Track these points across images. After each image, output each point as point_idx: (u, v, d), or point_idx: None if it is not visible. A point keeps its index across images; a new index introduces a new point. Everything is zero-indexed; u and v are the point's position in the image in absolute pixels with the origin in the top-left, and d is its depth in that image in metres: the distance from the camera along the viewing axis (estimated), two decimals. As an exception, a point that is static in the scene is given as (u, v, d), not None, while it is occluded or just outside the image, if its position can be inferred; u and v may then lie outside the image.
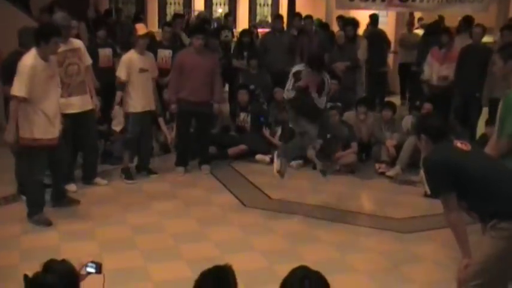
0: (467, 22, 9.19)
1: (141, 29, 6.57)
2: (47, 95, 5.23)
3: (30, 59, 5.11)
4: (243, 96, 8.02)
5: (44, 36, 5.13)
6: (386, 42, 10.50)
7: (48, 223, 5.35)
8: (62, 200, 5.79)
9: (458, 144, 3.57)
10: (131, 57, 6.47)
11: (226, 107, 8.97)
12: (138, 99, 6.51)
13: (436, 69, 8.15)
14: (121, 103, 6.60)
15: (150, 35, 6.79)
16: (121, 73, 6.44)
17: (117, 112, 6.86)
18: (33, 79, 5.08)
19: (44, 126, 5.22)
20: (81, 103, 6.09)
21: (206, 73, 6.78)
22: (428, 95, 8.24)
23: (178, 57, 7.00)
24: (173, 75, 6.89)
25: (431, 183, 3.63)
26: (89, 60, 6.23)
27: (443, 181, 3.44)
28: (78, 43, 6.15)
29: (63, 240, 5.04)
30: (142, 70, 6.47)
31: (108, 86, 6.86)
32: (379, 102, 9.58)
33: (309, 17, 9.45)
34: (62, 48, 5.72)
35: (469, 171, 3.40)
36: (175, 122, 7.31)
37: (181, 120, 7.05)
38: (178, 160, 7.13)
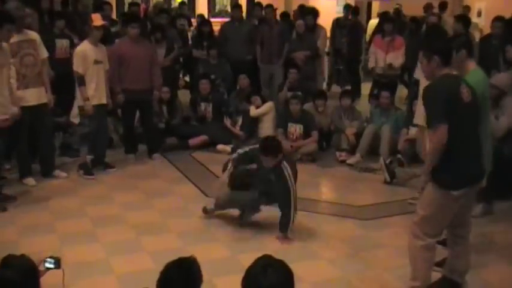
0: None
1: (97, 19, 6.39)
2: None
3: None
4: (204, 85, 7.97)
5: None
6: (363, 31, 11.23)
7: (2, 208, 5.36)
8: None
9: (464, 89, 3.59)
10: (85, 49, 6.28)
11: (186, 97, 8.92)
12: (94, 91, 6.33)
13: (382, 58, 8.27)
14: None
15: (105, 27, 6.67)
16: (78, 67, 6.24)
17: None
18: None
19: None
20: (38, 95, 6.02)
21: (144, 61, 6.84)
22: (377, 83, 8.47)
23: (114, 48, 6.98)
24: (112, 66, 6.76)
25: (428, 111, 3.57)
26: (45, 53, 6.13)
27: (440, 110, 3.45)
28: (34, 35, 6.04)
29: (22, 235, 4.94)
30: (97, 62, 6.33)
31: (65, 77, 6.76)
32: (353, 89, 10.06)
33: (269, 6, 9.44)
34: (16, 38, 5.68)
35: (452, 124, 3.47)
36: (121, 112, 7.31)
37: (126, 109, 7.09)
38: (127, 148, 7.20)
